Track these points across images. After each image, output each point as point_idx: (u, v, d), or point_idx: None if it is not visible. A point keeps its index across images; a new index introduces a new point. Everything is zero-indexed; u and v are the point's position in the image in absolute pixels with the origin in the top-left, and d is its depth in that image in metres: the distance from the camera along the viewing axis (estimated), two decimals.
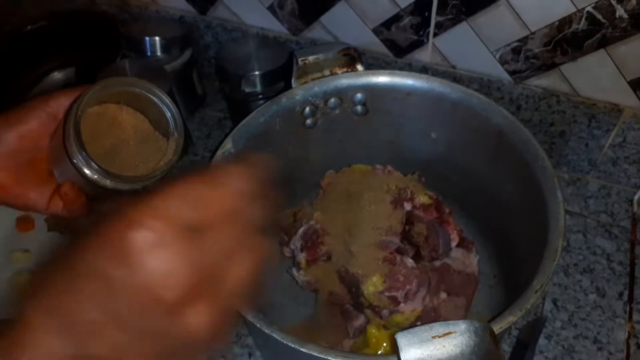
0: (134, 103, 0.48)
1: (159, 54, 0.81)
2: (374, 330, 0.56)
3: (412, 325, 0.55)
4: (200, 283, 0.26)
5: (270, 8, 0.78)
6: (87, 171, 0.43)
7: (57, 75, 0.94)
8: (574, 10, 0.62)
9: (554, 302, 0.67)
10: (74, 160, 0.43)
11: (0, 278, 0.71)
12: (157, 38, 0.81)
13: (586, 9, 0.61)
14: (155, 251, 0.25)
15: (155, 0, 0.87)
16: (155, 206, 0.26)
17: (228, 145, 0.57)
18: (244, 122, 0.58)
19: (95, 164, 0.43)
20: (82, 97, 0.43)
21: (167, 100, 0.47)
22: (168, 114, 0.48)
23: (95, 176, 0.44)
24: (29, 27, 0.91)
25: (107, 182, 0.44)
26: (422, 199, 0.58)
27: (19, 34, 0.90)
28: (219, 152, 0.57)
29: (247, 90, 0.77)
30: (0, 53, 0.90)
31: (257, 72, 0.75)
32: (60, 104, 0.46)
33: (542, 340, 0.63)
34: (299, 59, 0.60)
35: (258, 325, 0.43)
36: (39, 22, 0.91)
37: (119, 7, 0.90)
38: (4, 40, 0.90)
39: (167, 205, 0.26)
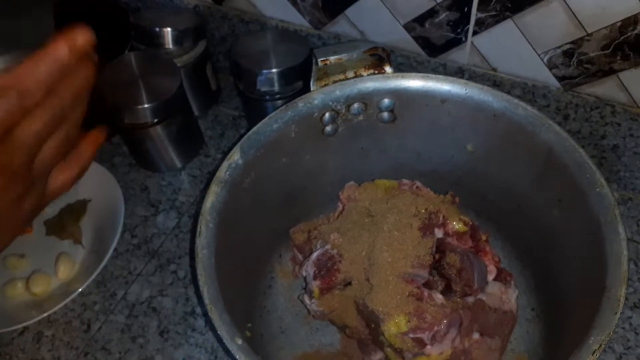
0: None
1: (170, 46, 0.75)
2: None
3: None
4: None
5: None
6: None
7: None
8: None
9: None
10: None
11: None
12: (168, 29, 0.74)
13: None
14: None
15: None
16: None
17: (235, 156, 0.50)
18: (254, 129, 0.52)
19: None
20: None
21: None
22: None
23: None
24: None
25: None
26: (457, 225, 0.50)
27: None
28: (225, 164, 0.50)
29: (263, 89, 0.70)
30: None
31: (274, 70, 0.68)
32: None
33: None
34: (319, 60, 0.53)
35: None
36: None
37: None
38: None
39: None
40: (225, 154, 0.71)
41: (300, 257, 0.60)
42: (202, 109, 0.83)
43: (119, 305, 0.65)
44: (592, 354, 0.37)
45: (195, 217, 0.72)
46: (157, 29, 0.74)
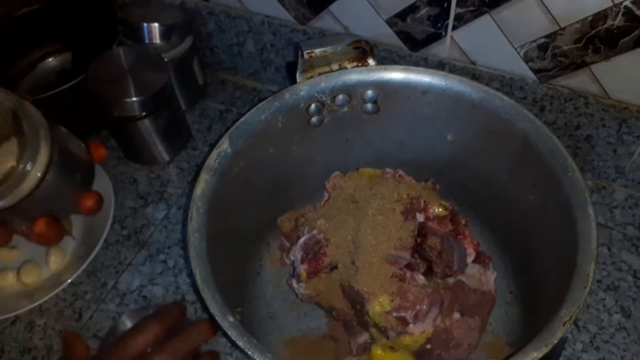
0: None
1: (157, 41, 0.76)
2: (379, 352, 0.51)
3: (421, 347, 0.50)
4: None
5: None
6: None
7: (52, 62, 0.89)
8: (610, 4, 0.56)
9: (575, 322, 0.61)
10: None
11: None
12: (155, 24, 0.76)
13: (624, 4, 0.56)
14: None
15: None
16: None
17: (225, 144, 0.52)
18: (242, 119, 0.53)
19: None
20: None
21: None
22: None
23: None
24: (23, 9, 0.86)
25: None
26: (437, 209, 0.52)
27: (12, 17, 0.85)
28: (215, 152, 0.52)
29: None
30: None
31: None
32: None
33: None
34: (305, 52, 0.55)
35: (249, 352, 0.38)
36: (33, 4, 0.86)
37: None
38: None
39: None
40: (212, 147, 0.72)
41: (287, 245, 0.62)
42: (189, 103, 0.85)
43: (109, 294, 0.66)
44: (563, 325, 0.39)
45: (185, 209, 0.74)
46: (145, 25, 0.75)
